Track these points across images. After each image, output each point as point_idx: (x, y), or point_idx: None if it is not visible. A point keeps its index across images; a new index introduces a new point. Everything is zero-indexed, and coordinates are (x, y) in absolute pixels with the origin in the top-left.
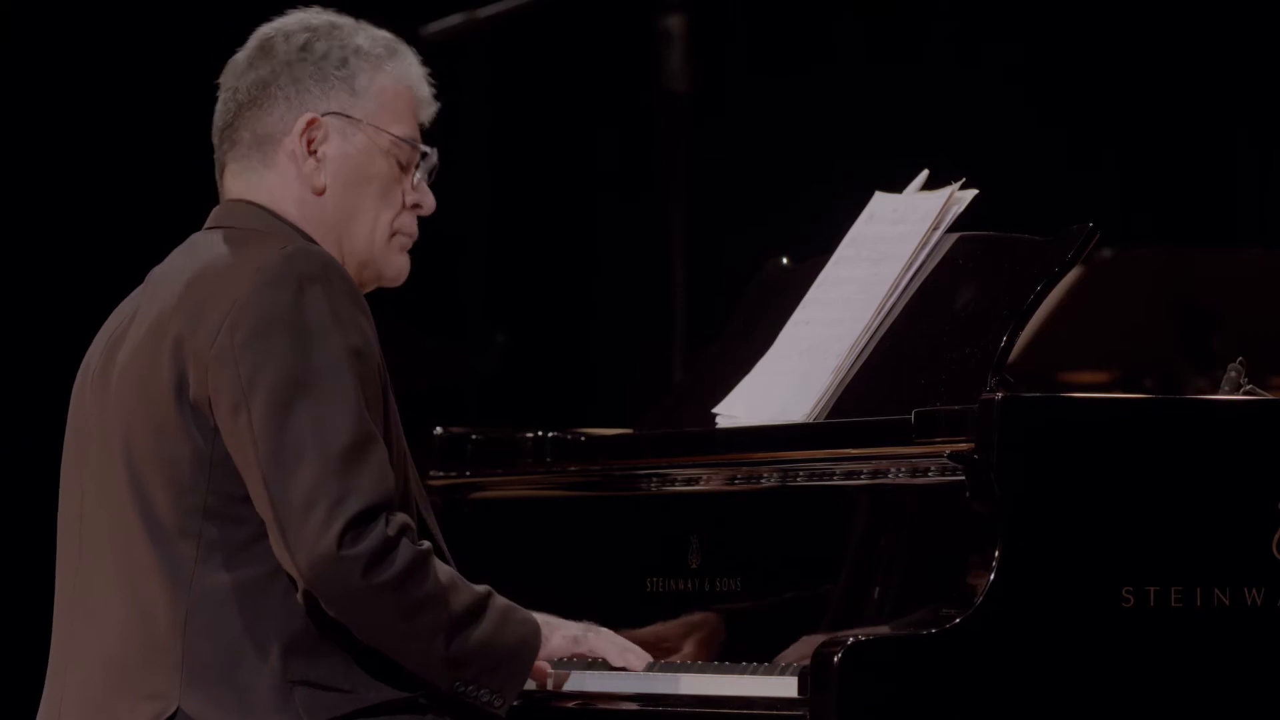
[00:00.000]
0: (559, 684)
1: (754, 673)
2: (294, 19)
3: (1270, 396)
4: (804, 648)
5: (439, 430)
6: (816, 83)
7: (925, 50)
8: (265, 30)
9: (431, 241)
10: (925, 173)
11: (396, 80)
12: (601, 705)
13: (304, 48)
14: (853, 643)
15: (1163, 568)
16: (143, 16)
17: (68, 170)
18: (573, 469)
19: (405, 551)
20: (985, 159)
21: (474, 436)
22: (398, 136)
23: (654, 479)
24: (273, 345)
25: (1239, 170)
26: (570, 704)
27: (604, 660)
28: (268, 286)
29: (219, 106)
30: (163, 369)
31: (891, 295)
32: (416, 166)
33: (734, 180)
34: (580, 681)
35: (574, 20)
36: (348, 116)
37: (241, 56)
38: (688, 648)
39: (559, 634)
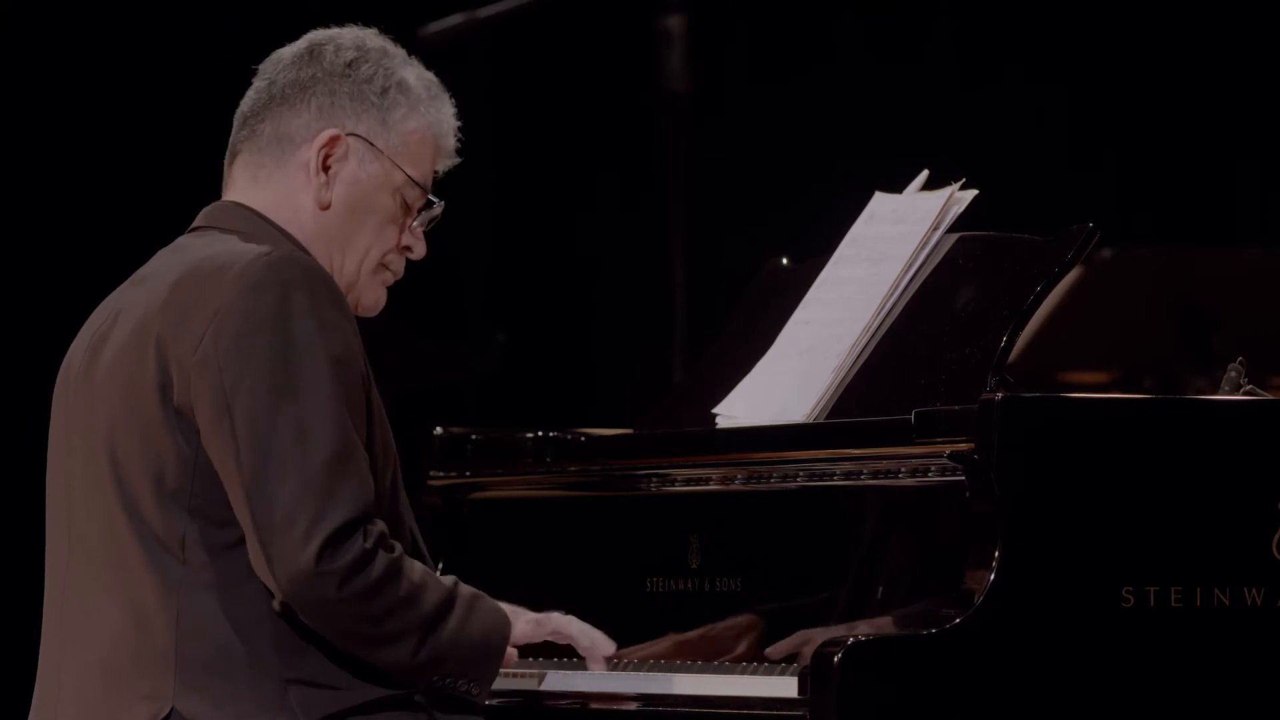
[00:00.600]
0: (551, 683)
1: (754, 673)
2: (350, 34)
3: (1270, 396)
4: (804, 648)
5: (439, 430)
6: (816, 83)
7: (925, 50)
8: (318, 36)
9: (432, 241)
10: (925, 173)
11: (429, 126)
12: (600, 705)
13: (350, 65)
14: (853, 643)
15: (1163, 568)
16: (132, 17)
17: (50, 168)
18: (573, 469)
19: (380, 562)
20: (985, 159)
21: (474, 436)
22: (412, 179)
23: (654, 479)
24: (255, 353)
25: (1239, 170)
26: (567, 704)
27: (578, 649)
28: (251, 292)
29: (250, 93)
30: (147, 371)
31: (891, 295)
32: (420, 211)
33: (734, 180)
34: (579, 682)
35: (574, 20)
36: (371, 144)
37: (287, 53)
38: (687, 648)
39: (522, 619)
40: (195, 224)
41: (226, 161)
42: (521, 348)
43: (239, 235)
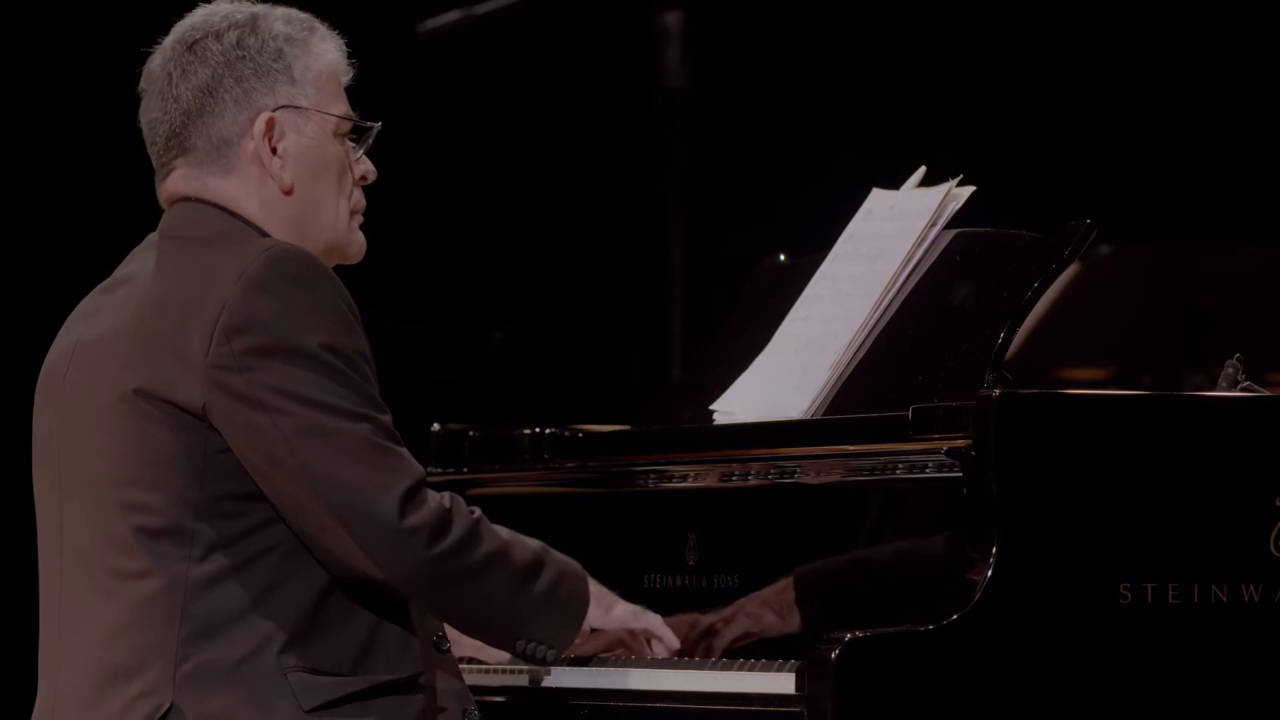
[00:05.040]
0: (548, 680)
1: (751, 669)
2: (214, 16)
3: (1267, 393)
4: (802, 644)
5: (437, 427)
6: (814, 79)
7: (923, 46)
8: (188, 32)
9: (429, 239)
10: (922, 169)
11: (326, 62)
12: (598, 701)
13: (238, 44)
14: (850, 639)
15: (1160, 564)
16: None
17: (21, 168)
18: (570, 465)
19: (461, 518)
20: (982, 155)
21: (472, 433)
22: (341, 117)
23: (651, 475)
24: (274, 352)
25: (1238, 167)
26: (564, 700)
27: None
28: (257, 290)
29: (155, 114)
30: (143, 373)
31: (889, 292)
32: (355, 140)
33: (731, 177)
34: (575, 678)
35: (571, 17)
36: (296, 107)
37: (165, 61)
38: (685, 644)
39: (621, 606)
40: (166, 225)
41: (159, 178)
42: (519, 345)
43: (218, 233)
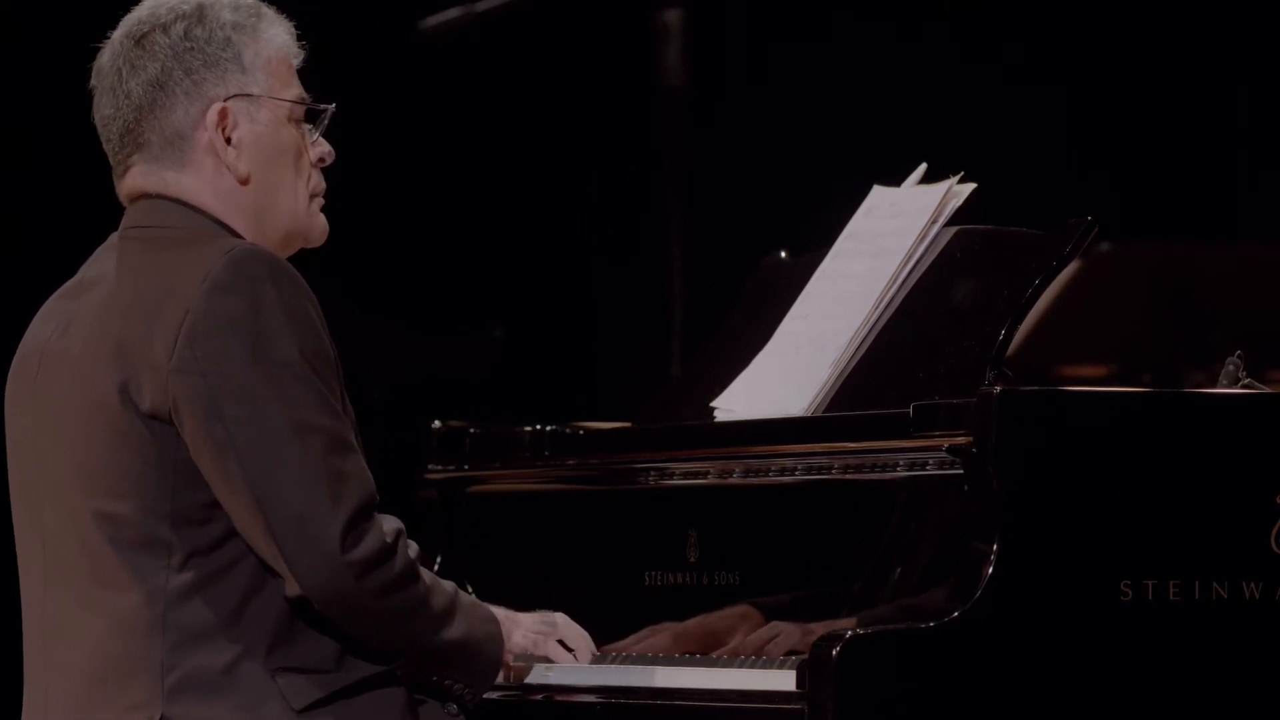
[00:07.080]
0: (521, 676)
1: (752, 666)
2: (160, 8)
3: (1268, 390)
4: (803, 641)
5: (437, 424)
6: (814, 76)
7: (924, 43)
8: (135, 27)
9: (429, 236)
10: (923, 166)
11: (275, 46)
12: (596, 699)
13: (186, 36)
14: (851, 636)
15: (1161, 561)
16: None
17: (17, 167)
18: (571, 463)
19: (401, 558)
20: (984, 152)
21: (472, 430)
22: (294, 101)
23: (652, 473)
24: (237, 356)
25: (1238, 165)
26: (562, 698)
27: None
28: (220, 293)
29: (108, 111)
30: (114, 380)
31: (890, 289)
32: (312, 123)
33: (732, 174)
34: (574, 675)
35: (571, 15)
36: (248, 95)
37: (114, 57)
38: (685, 641)
39: (519, 630)
40: (129, 224)
41: (117, 175)
42: (520, 342)
43: (181, 232)
